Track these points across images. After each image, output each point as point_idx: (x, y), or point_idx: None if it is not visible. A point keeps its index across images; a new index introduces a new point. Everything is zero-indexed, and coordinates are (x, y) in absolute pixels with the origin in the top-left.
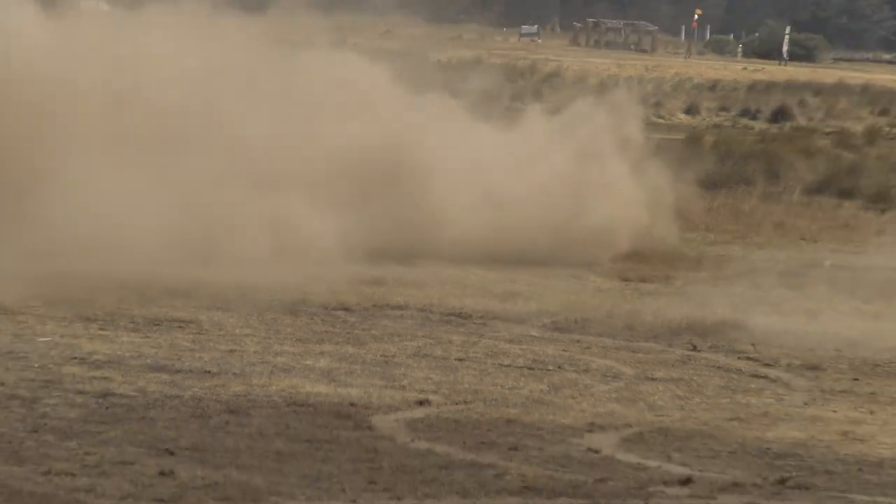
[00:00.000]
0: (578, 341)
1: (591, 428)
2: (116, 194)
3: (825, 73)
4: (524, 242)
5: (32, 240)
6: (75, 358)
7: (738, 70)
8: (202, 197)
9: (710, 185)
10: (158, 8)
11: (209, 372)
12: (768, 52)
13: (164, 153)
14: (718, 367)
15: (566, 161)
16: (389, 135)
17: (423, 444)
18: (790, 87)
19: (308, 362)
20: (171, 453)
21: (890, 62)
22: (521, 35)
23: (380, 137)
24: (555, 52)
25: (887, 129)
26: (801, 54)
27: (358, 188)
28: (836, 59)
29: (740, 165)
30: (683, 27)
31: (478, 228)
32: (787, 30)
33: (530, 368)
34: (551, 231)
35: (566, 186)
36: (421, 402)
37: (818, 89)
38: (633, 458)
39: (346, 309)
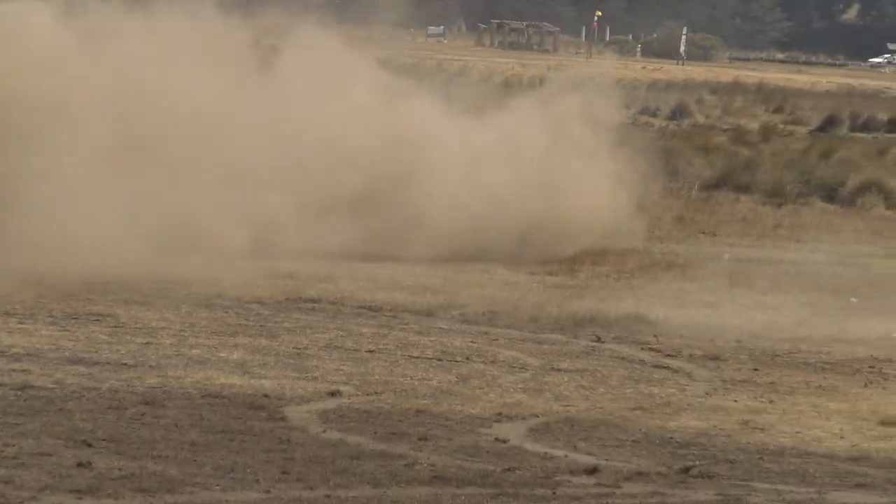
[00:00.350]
0: (486, 333)
1: (499, 418)
2: (91, 196)
3: (721, 72)
4: (498, 239)
5: None
6: None
7: (637, 69)
8: (181, 197)
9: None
10: (158, 9)
11: (126, 364)
12: (666, 51)
13: (152, 155)
14: (622, 358)
15: (540, 157)
16: (377, 133)
17: (334, 435)
18: (688, 85)
19: (222, 355)
20: (89, 445)
21: (783, 62)
22: (428, 36)
23: (367, 136)
24: (460, 52)
25: (782, 126)
26: (698, 54)
27: (342, 188)
28: (732, 59)
29: (641, 161)
30: (584, 28)
31: (457, 225)
32: (685, 30)
33: (439, 360)
34: (525, 228)
35: (541, 182)
36: (332, 394)
37: (715, 88)
38: (540, 448)
39: (260, 302)
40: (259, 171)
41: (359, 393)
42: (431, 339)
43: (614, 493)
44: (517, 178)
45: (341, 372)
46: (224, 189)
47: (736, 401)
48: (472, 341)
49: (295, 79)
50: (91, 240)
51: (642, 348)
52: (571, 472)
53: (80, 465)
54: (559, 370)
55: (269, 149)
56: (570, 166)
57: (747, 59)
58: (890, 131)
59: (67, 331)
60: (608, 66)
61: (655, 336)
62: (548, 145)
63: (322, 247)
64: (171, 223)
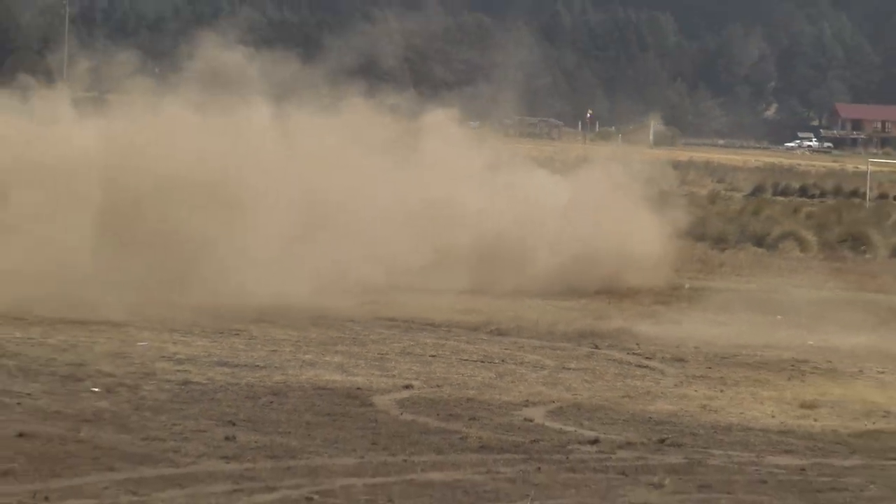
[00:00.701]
0: (515, 342)
1: (527, 404)
2: (266, 253)
3: (680, 153)
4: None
5: (187, 283)
6: (164, 357)
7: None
8: (339, 253)
9: None
10: (335, 109)
11: (258, 366)
12: (640, 139)
13: (319, 222)
14: (614, 360)
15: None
16: (488, 196)
17: (409, 416)
18: (655, 163)
19: (327, 359)
20: (233, 424)
21: (723, 146)
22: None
23: (479, 198)
24: (493, 140)
25: (724, 192)
26: (663, 140)
27: (458, 239)
28: (687, 144)
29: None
30: (580, 122)
31: (550, 266)
32: (653, 123)
33: (482, 362)
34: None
35: (610, 234)
36: (406, 387)
37: (675, 165)
38: (556, 425)
39: (353, 321)
40: (396, 228)
41: (425, 386)
42: (476, 346)
43: (610, 457)
44: (594, 228)
45: (412, 371)
46: (369, 243)
47: (696, 390)
48: (505, 348)
49: (427, 157)
50: (257, 283)
51: (628, 353)
52: (579, 443)
53: (227, 438)
54: (569, 369)
55: (406, 211)
56: (630, 223)
57: (698, 144)
58: (801, 195)
59: (216, 342)
60: (630, 150)
61: (637, 344)
62: (613, 205)
63: (441, 283)
64: (328, 270)
